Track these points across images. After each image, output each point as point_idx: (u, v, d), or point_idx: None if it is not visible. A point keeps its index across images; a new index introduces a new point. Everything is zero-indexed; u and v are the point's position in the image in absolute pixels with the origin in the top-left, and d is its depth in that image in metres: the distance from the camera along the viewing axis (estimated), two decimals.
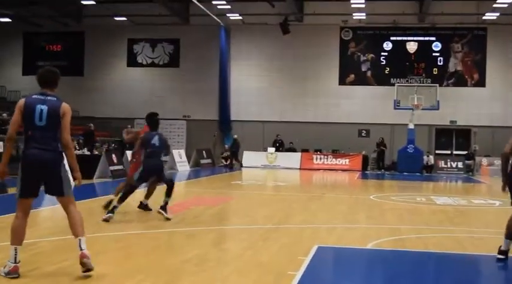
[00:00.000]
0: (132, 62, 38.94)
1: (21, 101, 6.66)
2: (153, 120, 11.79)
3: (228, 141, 35.85)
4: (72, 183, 6.92)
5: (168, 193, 11.56)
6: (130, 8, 36.20)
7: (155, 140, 11.49)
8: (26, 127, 6.62)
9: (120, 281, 6.53)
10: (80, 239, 6.59)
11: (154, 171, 11.55)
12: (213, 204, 14.97)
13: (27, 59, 39.61)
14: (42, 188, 6.76)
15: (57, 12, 36.93)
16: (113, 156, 23.62)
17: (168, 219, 11.25)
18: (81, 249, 6.54)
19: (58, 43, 39.56)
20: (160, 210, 11.42)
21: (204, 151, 34.03)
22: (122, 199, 11.23)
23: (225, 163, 34.35)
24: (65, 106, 6.67)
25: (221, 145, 36.26)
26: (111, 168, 22.56)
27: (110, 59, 38.60)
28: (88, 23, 38.33)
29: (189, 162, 31.66)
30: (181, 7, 37.01)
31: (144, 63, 38.92)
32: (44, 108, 6.55)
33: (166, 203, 11.50)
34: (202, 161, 33.32)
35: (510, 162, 8.33)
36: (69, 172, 6.88)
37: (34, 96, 6.68)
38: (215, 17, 34.52)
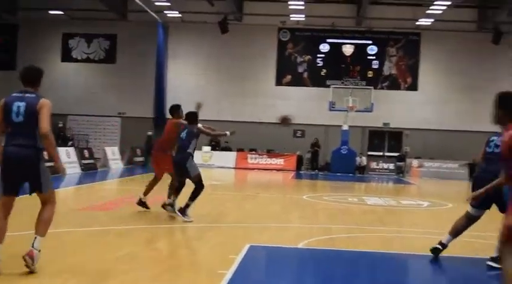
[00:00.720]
0: (67, 57, 38.21)
1: (2, 100, 6.73)
2: (187, 115, 11.97)
3: None
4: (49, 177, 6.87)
5: (192, 194, 11.52)
6: (66, 2, 35.50)
7: (183, 134, 11.64)
8: (5, 125, 6.67)
9: (45, 280, 6.42)
10: (36, 237, 6.62)
11: (176, 165, 11.65)
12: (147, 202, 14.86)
13: None
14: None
15: None
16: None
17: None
18: (32, 246, 6.56)
19: None
20: (179, 214, 11.36)
21: (138, 149, 33.70)
22: (176, 193, 11.72)
23: None
24: (43, 101, 6.67)
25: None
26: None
27: (44, 54, 37.64)
28: (22, 16, 37.42)
29: (122, 160, 31.34)
30: (118, 2, 36.56)
31: (79, 58, 38.24)
32: (22, 104, 6.61)
33: (187, 206, 11.41)
34: (137, 159, 33.02)
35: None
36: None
37: (14, 95, 6.75)
38: (153, 14, 34.19)
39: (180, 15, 36.01)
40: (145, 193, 12.59)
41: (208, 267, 7.47)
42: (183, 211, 11.29)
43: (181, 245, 9.17)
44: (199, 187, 11.54)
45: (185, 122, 12.02)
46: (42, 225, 6.70)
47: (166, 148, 12.46)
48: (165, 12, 35.27)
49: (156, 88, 36.76)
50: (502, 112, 5.51)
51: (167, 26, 36.93)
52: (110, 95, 37.14)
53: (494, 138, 8.19)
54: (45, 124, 6.59)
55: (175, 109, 12.70)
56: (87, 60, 38.18)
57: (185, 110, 12.34)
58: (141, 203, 12.56)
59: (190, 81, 37.08)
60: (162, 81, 36.78)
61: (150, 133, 33.89)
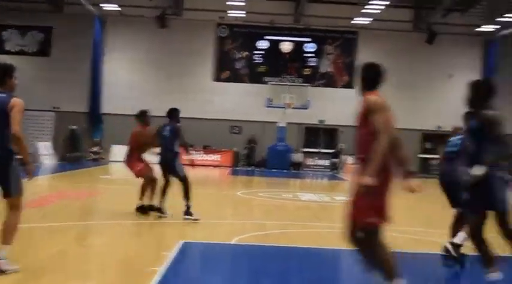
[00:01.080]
0: (0, 48, 37.17)
1: None
2: (170, 111, 12.05)
3: (97, 134, 35.00)
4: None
5: (185, 194, 11.33)
6: None
7: (166, 131, 11.56)
8: None
9: None
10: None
11: (163, 164, 11.57)
12: (78, 199, 14.67)
13: None
14: None
15: None
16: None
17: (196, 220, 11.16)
18: None
19: None
20: (186, 216, 11.24)
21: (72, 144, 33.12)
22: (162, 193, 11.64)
23: (93, 157, 33.59)
24: (14, 100, 6.47)
25: (89, 139, 35.11)
26: None
27: None
28: None
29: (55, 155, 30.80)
30: None
31: (13, 50, 37.21)
32: None
33: (188, 207, 11.28)
34: (69, 154, 32.43)
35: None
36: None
37: None
38: (90, 7, 33.52)
39: (118, 8, 35.36)
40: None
41: (140, 264, 7.42)
42: (187, 212, 11.28)
43: (113, 243, 9.05)
44: (187, 185, 11.45)
45: (143, 130, 11.88)
46: (7, 233, 6.54)
47: (134, 155, 12.20)
48: (102, 5, 34.59)
49: (92, 83, 36.05)
50: (364, 82, 5.82)
51: (104, 20, 36.28)
52: (44, 89, 36.23)
53: (453, 138, 8.41)
54: (16, 125, 6.42)
55: (143, 115, 12.38)
56: (21, 52, 37.19)
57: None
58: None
59: (127, 76, 36.57)
60: (98, 76, 36.09)
61: (74, 127, 33.32)
